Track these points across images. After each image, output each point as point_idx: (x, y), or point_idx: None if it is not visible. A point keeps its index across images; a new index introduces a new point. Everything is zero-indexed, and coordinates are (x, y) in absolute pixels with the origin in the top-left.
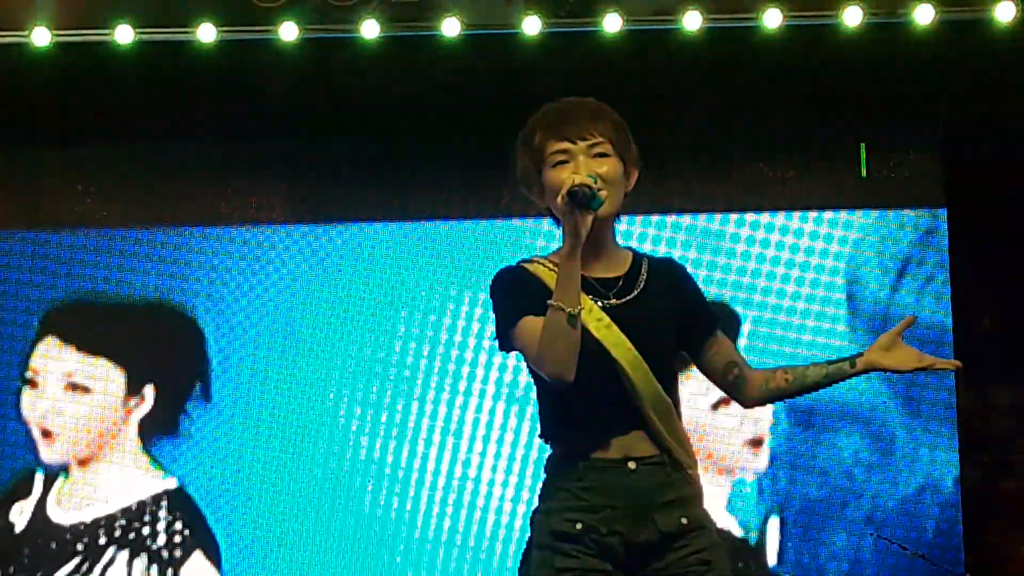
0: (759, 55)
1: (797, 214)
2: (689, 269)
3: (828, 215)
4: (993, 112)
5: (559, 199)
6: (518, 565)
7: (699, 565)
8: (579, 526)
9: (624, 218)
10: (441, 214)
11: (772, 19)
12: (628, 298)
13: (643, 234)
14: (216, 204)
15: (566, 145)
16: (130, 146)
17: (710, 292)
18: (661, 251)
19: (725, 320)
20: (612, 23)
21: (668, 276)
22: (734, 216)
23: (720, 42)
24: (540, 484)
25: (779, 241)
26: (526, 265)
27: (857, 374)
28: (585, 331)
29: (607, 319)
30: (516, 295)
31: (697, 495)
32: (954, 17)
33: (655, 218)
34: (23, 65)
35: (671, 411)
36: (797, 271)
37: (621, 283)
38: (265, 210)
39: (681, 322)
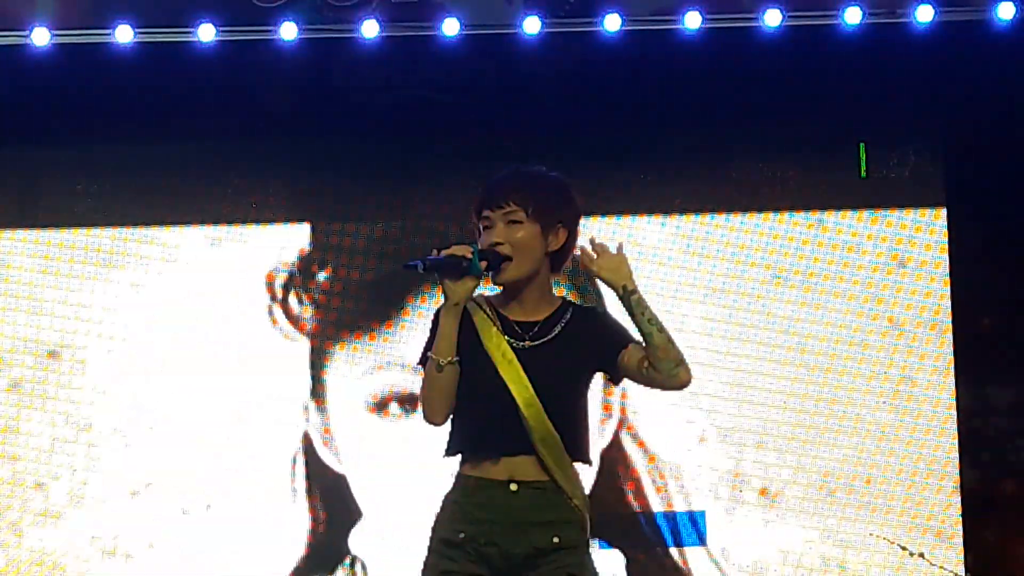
0: (759, 55)
1: (797, 214)
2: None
3: (828, 215)
4: (993, 112)
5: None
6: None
7: None
8: (462, 535)
9: (625, 219)
10: (441, 214)
11: (772, 19)
12: (541, 341)
13: (643, 234)
14: (216, 204)
15: (488, 212)
16: (130, 146)
17: (709, 293)
18: (661, 252)
19: None
20: (612, 23)
21: (586, 323)
22: (734, 216)
23: (720, 42)
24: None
25: (779, 241)
26: (466, 303)
27: (621, 300)
28: (491, 366)
29: (512, 357)
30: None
31: (576, 521)
32: (954, 17)
33: (655, 218)
34: (23, 65)
35: (559, 446)
36: (797, 271)
37: (537, 328)
38: (265, 210)
39: (594, 358)
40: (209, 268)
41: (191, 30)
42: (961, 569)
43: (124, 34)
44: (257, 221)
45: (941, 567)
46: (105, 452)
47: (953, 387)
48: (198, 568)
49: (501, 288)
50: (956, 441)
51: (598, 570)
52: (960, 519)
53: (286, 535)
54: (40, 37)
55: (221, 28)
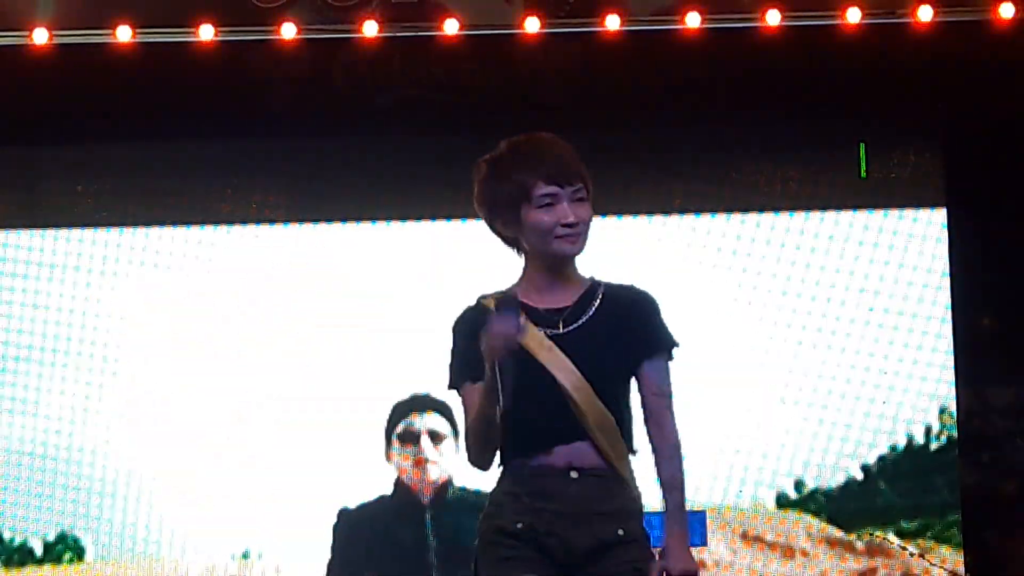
0: (759, 55)
1: (797, 214)
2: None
3: (828, 215)
4: (993, 112)
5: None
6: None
7: (634, 573)
8: (520, 525)
9: (625, 219)
10: (441, 214)
11: (772, 19)
12: (574, 326)
13: (643, 234)
14: (216, 204)
15: (554, 189)
16: (130, 146)
17: (709, 293)
18: (661, 252)
19: None
20: (612, 23)
21: (622, 303)
22: (734, 216)
23: (720, 42)
24: (492, 490)
25: (779, 241)
26: (484, 302)
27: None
28: (531, 356)
29: (550, 344)
30: (466, 353)
31: (637, 512)
32: (954, 17)
33: (655, 218)
34: (23, 65)
35: (615, 430)
36: (797, 271)
37: (568, 312)
38: (265, 210)
39: (626, 346)
40: (209, 268)
41: (191, 30)
42: (961, 569)
43: (124, 34)
44: (257, 221)
45: (941, 567)
46: (101, 452)
47: (953, 387)
48: (199, 568)
49: (524, 276)
50: (956, 441)
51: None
52: (960, 519)
53: (283, 535)
54: (40, 37)
55: (221, 28)
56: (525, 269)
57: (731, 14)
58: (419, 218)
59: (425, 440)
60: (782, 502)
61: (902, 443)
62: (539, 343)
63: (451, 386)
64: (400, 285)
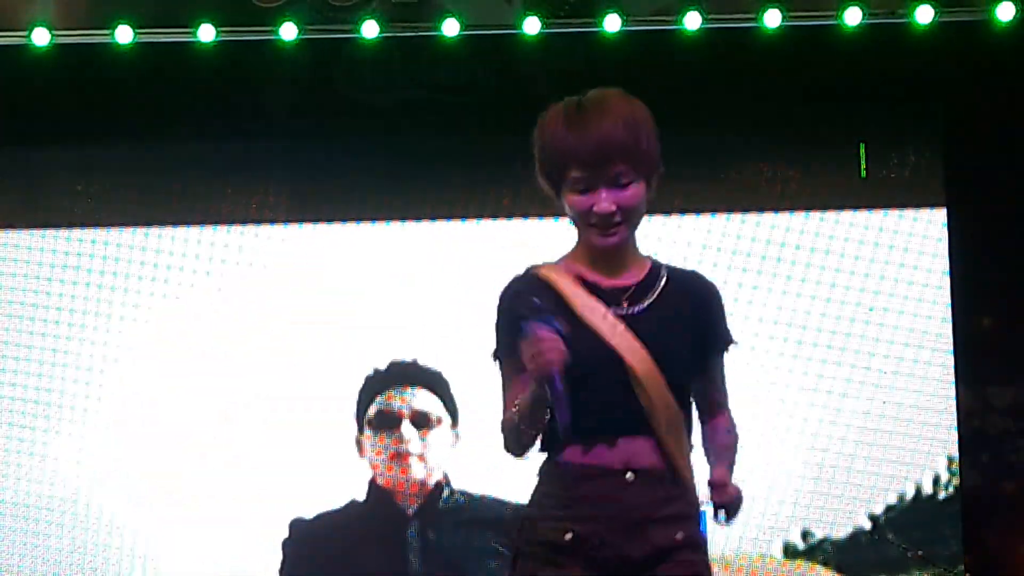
0: (759, 55)
1: (797, 214)
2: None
3: (828, 215)
4: (993, 112)
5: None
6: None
7: None
8: (568, 536)
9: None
10: (441, 214)
11: (772, 19)
12: (640, 307)
13: (644, 234)
14: (216, 204)
15: (587, 174)
16: (130, 146)
17: None
18: (661, 252)
19: None
20: (612, 23)
21: (690, 289)
22: (734, 216)
23: (720, 42)
24: (533, 488)
25: (779, 241)
26: (537, 272)
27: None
28: (598, 337)
29: (621, 325)
30: (511, 329)
31: (696, 515)
32: (954, 17)
33: (655, 218)
34: (23, 65)
35: (681, 424)
36: (797, 271)
37: (633, 291)
38: (265, 210)
39: (696, 336)
40: (209, 268)
41: (191, 30)
42: (961, 569)
43: (124, 34)
44: (257, 221)
45: (942, 567)
46: (100, 452)
47: (953, 387)
48: (192, 568)
49: (578, 245)
50: (956, 441)
51: None
52: (960, 519)
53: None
54: (40, 37)
55: (221, 28)
56: (579, 238)
57: (731, 14)
58: (419, 218)
59: (407, 426)
60: (789, 552)
61: (910, 492)
62: (607, 322)
63: (495, 357)
64: (400, 285)
